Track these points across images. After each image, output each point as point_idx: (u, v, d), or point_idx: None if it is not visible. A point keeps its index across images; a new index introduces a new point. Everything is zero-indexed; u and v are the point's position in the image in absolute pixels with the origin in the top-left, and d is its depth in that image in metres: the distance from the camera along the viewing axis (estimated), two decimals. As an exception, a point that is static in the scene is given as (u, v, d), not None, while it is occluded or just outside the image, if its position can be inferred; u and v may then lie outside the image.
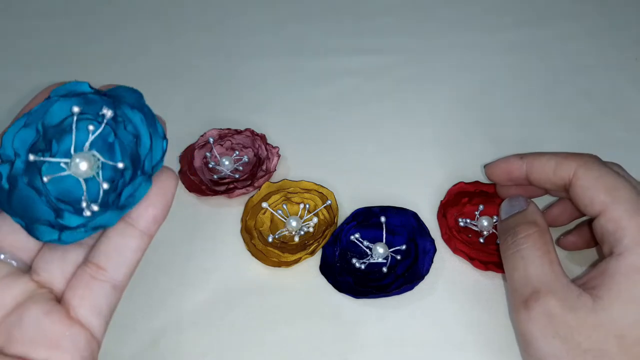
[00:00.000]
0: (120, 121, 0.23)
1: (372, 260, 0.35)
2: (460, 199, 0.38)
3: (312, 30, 0.50)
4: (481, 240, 0.36)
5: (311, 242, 0.36)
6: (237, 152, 0.41)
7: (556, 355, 0.27)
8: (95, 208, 0.22)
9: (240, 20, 0.51)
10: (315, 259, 0.36)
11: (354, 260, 0.35)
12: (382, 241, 0.36)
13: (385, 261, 0.35)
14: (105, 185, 0.22)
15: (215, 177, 0.40)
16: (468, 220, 0.37)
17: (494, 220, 0.36)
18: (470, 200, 0.38)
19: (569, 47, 0.47)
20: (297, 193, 0.38)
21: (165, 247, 0.36)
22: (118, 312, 0.34)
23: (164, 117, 0.43)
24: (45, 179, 0.23)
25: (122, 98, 0.23)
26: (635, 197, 0.28)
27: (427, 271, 0.34)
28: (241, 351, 0.33)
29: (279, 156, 0.40)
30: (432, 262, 0.35)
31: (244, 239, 0.36)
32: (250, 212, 0.37)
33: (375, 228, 0.36)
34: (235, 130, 0.42)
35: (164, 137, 0.23)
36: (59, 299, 0.23)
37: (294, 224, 0.36)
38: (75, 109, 0.23)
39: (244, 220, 0.37)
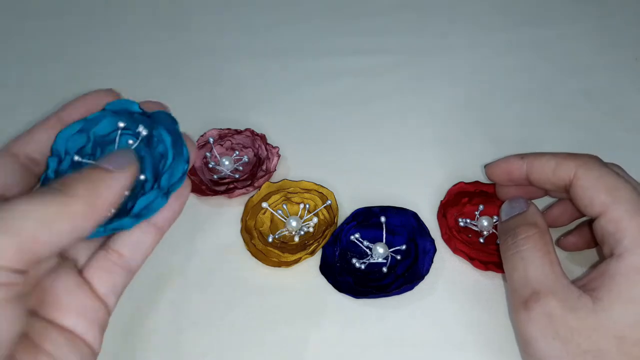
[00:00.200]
0: (155, 140, 0.27)
1: (372, 260, 0.35)
2: (460, 199, 0.38)
3: (312, 30, 0.50)
4: (481, 240, 0.36)
5: (311, 242, 0.36)
6: (237, 152, 0.41)
7: (556, 356, 0.27)
8: (112, 211, 0.24)
9: (240, 20, 0.51)
10: (315, 259, 0.36)
11: (354, 260, 0.35)
12: (382, 241, 0.36)
13: (385, 261, 0.35)
14: (126, 192, 0.24)
15: (215, 177, 0.40)
16: (468, 220, 0.37)
17: (494, 220, 0.36)
18: (470, 200, 0.38)
19: (569, 47, 0.47)
20: (297, 193, 0.38)
21: (166, 247, 0.36)
22: (118, 312, 0.34)
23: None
24: None
25: (161, 121, 0.27)
26: (635, 197, 0.28)
27: (427, 271, 0.34)
28: (241, 351, 0.33)
29: (279, 156, 0.40)
30: (432, 262, 0.35)
31: (244, 239, 0.36)
32: (250, 212, 0.37)
33: (375, 228, 0.36)
34: (235, 130, 0.42)
35: (187, 162, 0.26)
36: (80, 274, 0.25)
37: (294, 224, 0.36)
38: (121, 125, 0.27)
39: (244, 220, 0.37)
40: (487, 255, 0.35)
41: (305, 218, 0.37)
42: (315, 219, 0.37)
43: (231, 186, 0.38)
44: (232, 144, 0.41)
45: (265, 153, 0.40)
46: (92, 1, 0.54)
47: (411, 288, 0.34)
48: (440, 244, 0.36)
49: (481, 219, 0.36)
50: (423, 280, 0.34)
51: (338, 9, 0.51)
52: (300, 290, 0.35)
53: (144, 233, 0.26)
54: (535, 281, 0.28)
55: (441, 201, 0.38)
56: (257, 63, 0.48)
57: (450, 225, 0.37)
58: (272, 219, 0.38)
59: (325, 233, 0.36)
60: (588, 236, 0.34)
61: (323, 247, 0.36)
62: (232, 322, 0.34)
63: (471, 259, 0.35)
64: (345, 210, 0.38)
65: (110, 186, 0.23)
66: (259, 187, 0.38)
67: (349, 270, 0.35)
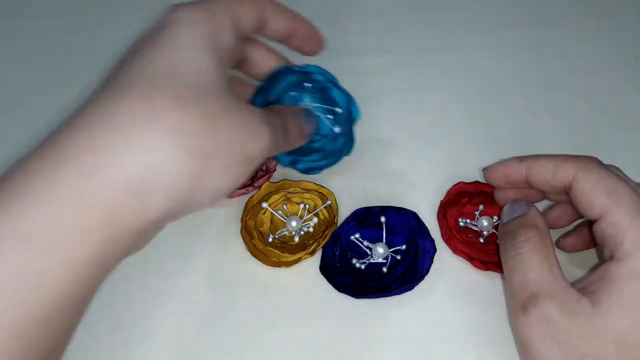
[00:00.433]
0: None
1: (372, 260, 0.35)
2: (460, 199, 0.38)
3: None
4: (481, 240, 0.36)
5: (311, 242, 0.36)
6: (237, 152, 0.41)
7: None
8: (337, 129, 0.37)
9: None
10: (315, 259, 0.36)
11: (354, 261, 0.35)
12: (382, 241, 0.36)
13: (385, 261, 0.35)
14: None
15: (215, 177, 0.40)
16: (468, 220, 0.37)
17: (494, 220, 0.36)
18: (470, 200, 0.38)
19: (569, 48, 0.47)
20: (297, 193, 0.38)
21: (166, 247, 0.36)
22: (118, 312, 0.34)
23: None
24: None
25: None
26: (635, 200, 0.27)
27: (427, 271, 0.34)
28: (241, 351, 0.33)
29: (279, 156, 0.40)
30: (432, 262, 0.35)
31: (244, 239, 0.36)
32: (250, 212, 0.37)
33: (375, 228, 0.36)
34: (236, 130, 0.42)
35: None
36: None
37: (294, 224, 0.37)
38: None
39: (244, 220, 0.37)
40: (487, 255, 0.35)
41: (305, 218, 0.37)
42: (315, 219, 0.37)
43: (231, 186, 0.38)
44: (232, 143, 0.41)
45: (266, 153, 0.40)
46: (94, 1, 0.53)
47: (411, 288, 0.34)
48: (440, 244, 0.36)
49: (481, 219, 0.36)
50: (423, 280, 0.34)
51: (338, 9, 0.51)
52: (300, 290, 0.35)
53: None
54: (533, 284, 0.28)
55: (441, 201, 0.38)
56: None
57: (450, 225, 0.37)
58: (272, 219, 0.38)
59: (325, 233, 0.36)
60: (587, 237, 0.34)
61: (323, 247, 0.36)
62: (232, 322, 0.34)
63: (471, 259, 0.35)
64: (345, 210, 0.38)
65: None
66: (259, 187, 0.38)
67: (349, 270, 0.35)
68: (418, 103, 0.44)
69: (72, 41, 0.49)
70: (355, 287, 0.34)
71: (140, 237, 0.23)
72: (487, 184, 0.37)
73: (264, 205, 0.37)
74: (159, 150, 0.22)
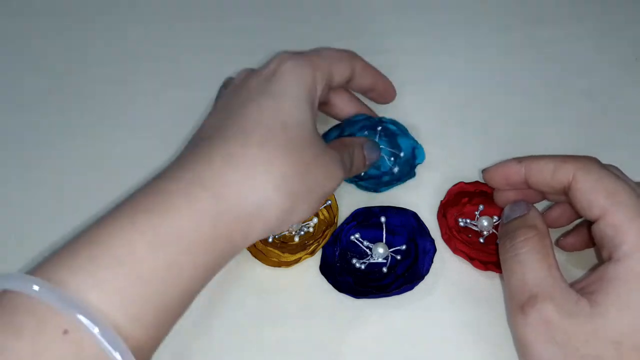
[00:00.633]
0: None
1: (372, 260, 0.36)
2: (460, 199, 0.38)
3: (312, 31, 0.49)
4: (481, 240, 0.36)
5: (311, 242, 0.36)
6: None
7: None
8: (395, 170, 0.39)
9: (241, 21, 0.51)
10: (315, 259, 0.36)
11: (354, 261, 0.35)
12: (382, 241, 0.36)
13: (385, 261, 0.36)
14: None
15: (215, 177, 0.40)
16: (468, 220, 0.37)
17: (494, 220, 0.36)
18: (470, 200, 0.38)
19: (569, 47, 0.47)
20: (297, 193, 0.38)
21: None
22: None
23: (165, 117, 0.44)
24: None
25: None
26: (635, 201, 0.27)
27: (427, 271, 0.34)
28: (241, 351, 0.33)
29: (279, 156, 0.40)
30: (432, 262, 0.35)
31: (244, 239, 0.36)
32: (251, 212, 0.37)
33: (375, 228, 0.36)
34: (236, 130, 0.42)
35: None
36: None
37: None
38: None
39: (244, 220, 0.37)
40: (487, 255, 0.35)
41: (305, 218, 0.37)
42: (315, 219, 0.37)
43: (231, 186, 0.38)
44: (232, 143, 0.41)
45: (266, 153, 0.40)
46: (96, 2, 0.53)
47: (411, 288, 0.34)
48: (440, 244, 0.36)
49: (481, 219, 0.36)
50: (423, 280, 0.34)
51: (338, 9, 0.51)
52: (300, 290, 0.35)
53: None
54: (532, 284, 0.28)
55: (441, 201, 0.38)
56: (258, 63, 0.48)
57: (450, 225, 0.37)
58: (272, 219, 0.38)
59: (325, 233, 0.36)
60: (587, 236, 0.34)
61: (323, 247, 0.36)
62: (232, 322, 0.34)
63: (471, 259, 0.35)
64: (345, 210, 0.38)
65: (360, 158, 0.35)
66: (259, 187, 0.38)
67: (349, 270, 0.35)
68: (417, 103, 0.44)
69: (72, 41, 0.49)
70: (355, 287, 0.34)
71: (237, 253, 0.28)
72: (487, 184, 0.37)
73: (264, 205, 0.37)
74: (267, 192, 0.27)
